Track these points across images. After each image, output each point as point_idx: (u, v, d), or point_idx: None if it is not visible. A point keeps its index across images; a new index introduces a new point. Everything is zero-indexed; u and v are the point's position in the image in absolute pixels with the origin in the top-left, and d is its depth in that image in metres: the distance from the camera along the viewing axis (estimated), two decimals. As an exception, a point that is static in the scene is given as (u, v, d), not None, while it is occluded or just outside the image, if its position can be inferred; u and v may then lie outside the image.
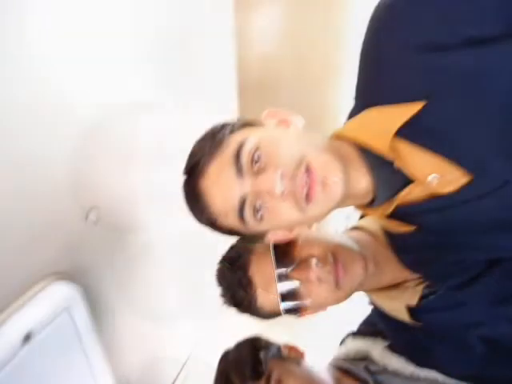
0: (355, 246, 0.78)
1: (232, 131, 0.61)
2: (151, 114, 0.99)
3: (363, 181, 0.60)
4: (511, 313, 0.67)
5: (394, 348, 0.88)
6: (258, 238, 0.71)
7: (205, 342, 1.56)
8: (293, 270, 0.73)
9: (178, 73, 1.09)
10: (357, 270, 0.73)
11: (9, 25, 0.58)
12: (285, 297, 0.73)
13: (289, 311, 0.76)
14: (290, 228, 0.66)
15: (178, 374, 1.40)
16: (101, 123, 0.81)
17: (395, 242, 0.76)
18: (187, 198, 0.64)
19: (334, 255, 0.73)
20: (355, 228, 0.89)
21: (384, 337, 0.92)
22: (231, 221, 0.61)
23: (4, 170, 0.61)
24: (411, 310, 0.77)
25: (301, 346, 0.97)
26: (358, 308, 1.04)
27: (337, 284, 0.72)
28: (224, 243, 0.84)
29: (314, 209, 0.56)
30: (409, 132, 0.53)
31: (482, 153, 0.50)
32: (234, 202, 0.58)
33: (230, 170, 0.57)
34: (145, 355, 1.16)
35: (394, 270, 0.79)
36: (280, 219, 0.58)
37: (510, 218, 0.53)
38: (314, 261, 0.72)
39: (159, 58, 0.99)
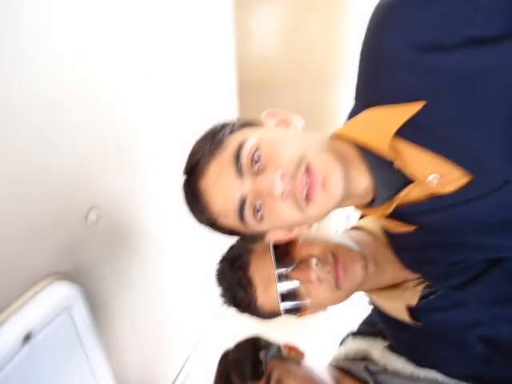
0: (355, 246, 0.78)
1: (232, 131, 0.61)
2: (150, 113, 0.99)
3: (363, 181, 0.60)
4: (511, 313, 0.67)
5: (393, 348, 0.88)
6: (258, 238, 0.71)
7: (205, 342, 1.56)
8: (293, 269, 0.73)
9: (178, 73, 1.09)
10: (357, 270, 0.73)
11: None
12: (285, 297, 0.73)
13: (289, 311, 0.76)
14: (290, 228, 0.66)
15: (178, 374, 1.40)
16: (100, 122, 0.81)
17: (395, 241, 0.76)
18: (187, 198, 0.64)
19: (334, 255, 0.73)
20: (355, 228, 0.89)
21: (384, 337, 0.92)
22: (231, 221, 0.61)
23: (3, 170, 0.61)
24: (411, 310, 0.77)
25: (301, 346, 0.97)
26: (357, 308, 1.04)
27: (337, 284, 0.72)
28: (224, 243, 0.84)
29: (314, 209, 0.56)
30: (409, 132, 0.54)
31: (482, 153, 0.50)
32: (234, 202, 0.58)
33: (230, 170, 0.57)
34: (145, 355, 1.16)
35: (394, 270, 0.79)
36: (280, 219, 0.59)
37: (510, 217, 0.53)
38: (313, 261, 0.72)
39: (159, 58, 0.99)
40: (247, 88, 1.57)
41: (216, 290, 0.81)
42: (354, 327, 1.05)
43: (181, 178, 0.64)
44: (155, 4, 0.95)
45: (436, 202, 0.57)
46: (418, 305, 0.76)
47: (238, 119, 0.65)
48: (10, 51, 0.59)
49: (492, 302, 0.67)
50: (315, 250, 0.74)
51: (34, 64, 0.63)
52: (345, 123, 0.63)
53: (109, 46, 0.80)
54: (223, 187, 0.58)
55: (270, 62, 1.53)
